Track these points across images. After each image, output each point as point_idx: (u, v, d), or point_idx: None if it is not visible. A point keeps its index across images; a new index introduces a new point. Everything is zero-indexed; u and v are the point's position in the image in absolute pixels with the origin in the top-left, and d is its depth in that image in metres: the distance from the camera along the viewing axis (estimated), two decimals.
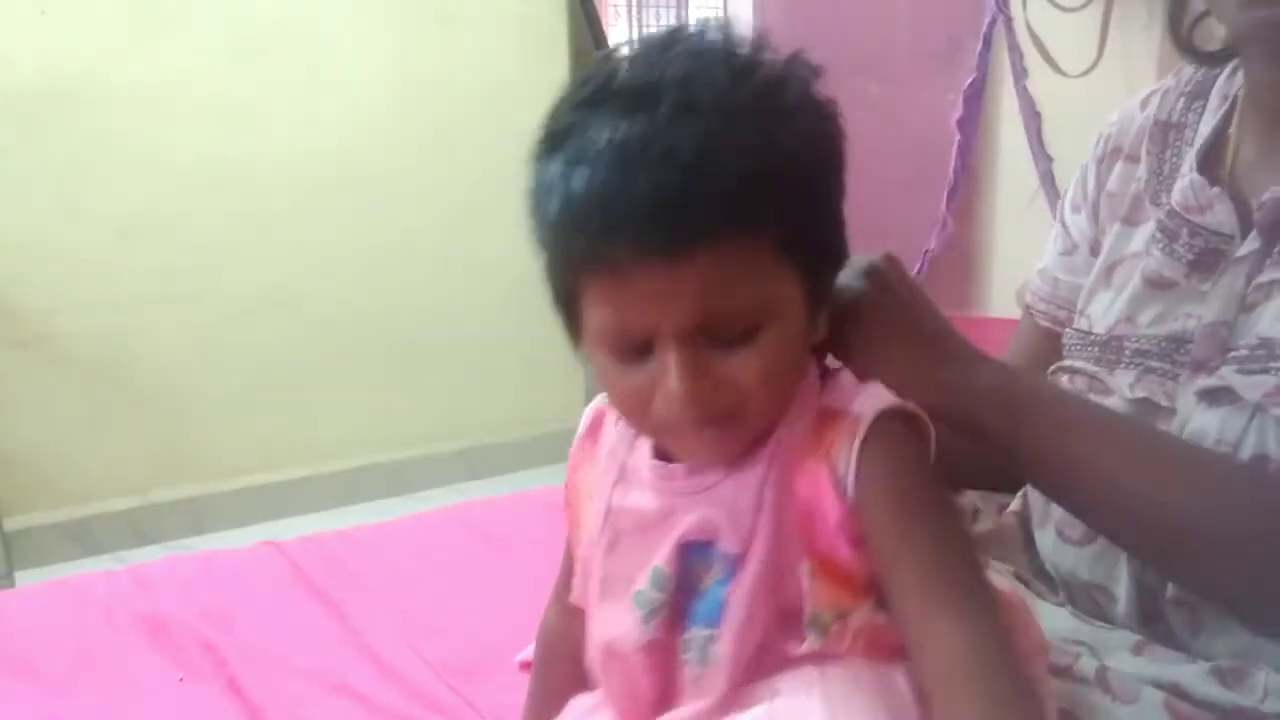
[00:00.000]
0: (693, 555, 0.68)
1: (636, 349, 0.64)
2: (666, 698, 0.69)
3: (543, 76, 2.91)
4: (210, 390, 2.64)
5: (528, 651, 0.95)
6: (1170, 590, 0.79)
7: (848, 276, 0.72)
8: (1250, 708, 0.72)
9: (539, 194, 0.65)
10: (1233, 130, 0.84)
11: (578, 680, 0.77)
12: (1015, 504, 0.98)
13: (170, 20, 2.47)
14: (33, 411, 2.47)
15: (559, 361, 3.31)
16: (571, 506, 0.78)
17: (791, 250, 0.63)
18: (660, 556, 0.68)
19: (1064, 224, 0.98)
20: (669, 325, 0.62)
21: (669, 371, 0.62)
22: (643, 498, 0.71)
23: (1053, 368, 0.91)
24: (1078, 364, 0.88)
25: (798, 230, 0.63)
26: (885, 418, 0.65)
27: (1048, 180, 2.47)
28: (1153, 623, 0.81)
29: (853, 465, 0.64)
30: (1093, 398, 0.85)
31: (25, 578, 2.23)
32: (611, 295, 0.62)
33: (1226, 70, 0.87)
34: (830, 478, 0.64)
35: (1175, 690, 0.74)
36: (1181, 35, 0.88)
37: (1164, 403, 0.80)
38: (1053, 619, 0.81)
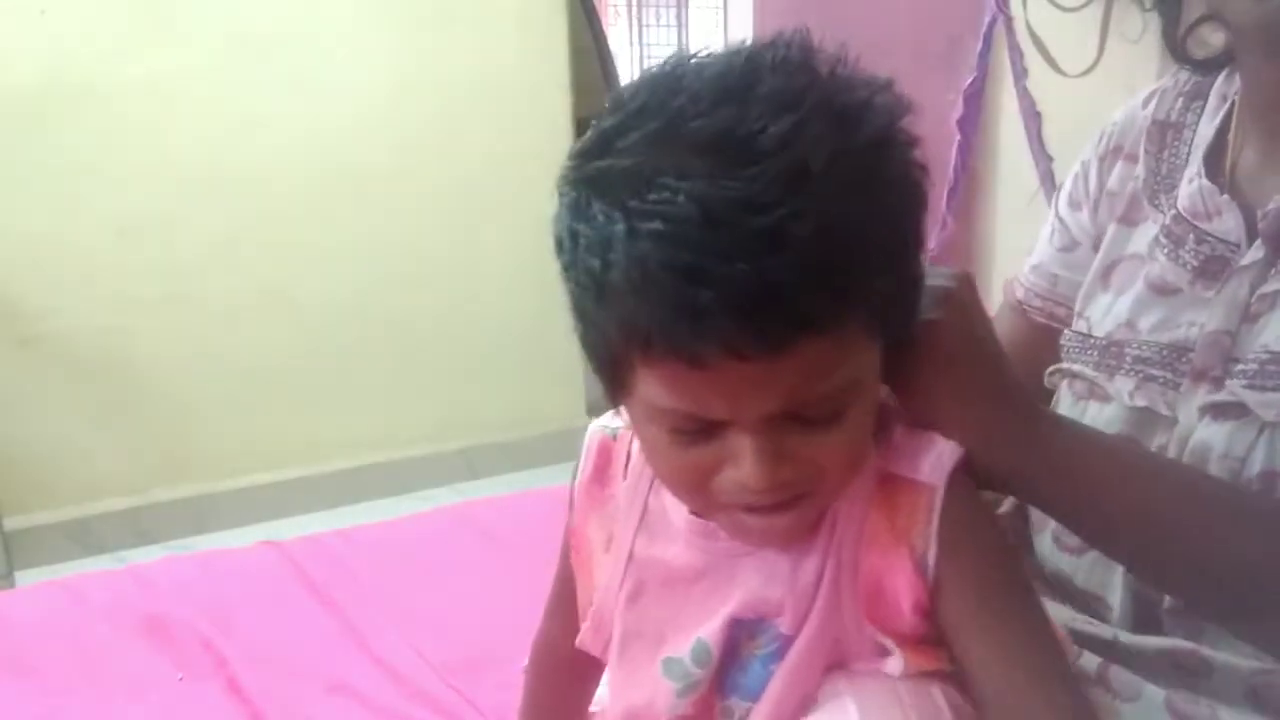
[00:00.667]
0: (739, 628, 0.64)
1: (702, 431, 0.56)
2: None
3: (542, 76, 2.91)
4: (210, 390, 2.64)
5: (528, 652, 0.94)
6: (1168, 600, 0.78)
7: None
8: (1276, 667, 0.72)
9: (587, 242, 0.54)
10: (1232, 134, 0.82)
11: (573, 693, 0.77)
12: (1006, 505, 0.97)
13: (170, 20, 2.46)
14: (33, 411, 2.46)
15: (559, 361, 3.32)
16: (580, 554, 0.73)
17: (883, 322, 0.57)
18: (705, 630, 0.64)
19: (1061, 219, 0.96)
20: (751, 414, 0.54)
21: (745, 458, 0.55)
22: (670, 550, 0.66)
23: (1051, 369, 0.90)
24: (1076, 367, 0.87)
25: (893, 302, 0.58)
26: (956, 487, 0.60)
27: (1048, 180, 2.47)
28: (1149, 632, 0.80)
29: (933, 547, 0.59)
30: (1092, 404, 0.84)
31: (25, 577, 2.23)
32: (682, 383, 0.53)
33: (1224, 71, 0.86)
34: (911, 560, 0.60)
35: (1193, 658, 0.73)
36: (1175, 43, 0.87)
37: (1165, 411, 0.78)
38: (1055, 618, 0.81)
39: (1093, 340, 0.86)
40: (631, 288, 0.51)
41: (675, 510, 0.66)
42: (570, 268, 0.57)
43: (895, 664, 0.60)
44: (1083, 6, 2.35)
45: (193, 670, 1.15)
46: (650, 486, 0.67)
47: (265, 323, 2.67)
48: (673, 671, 0.65)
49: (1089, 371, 0.85)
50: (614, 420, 0.71)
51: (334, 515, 2.50)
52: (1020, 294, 0.99)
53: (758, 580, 0.63)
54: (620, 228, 0.51)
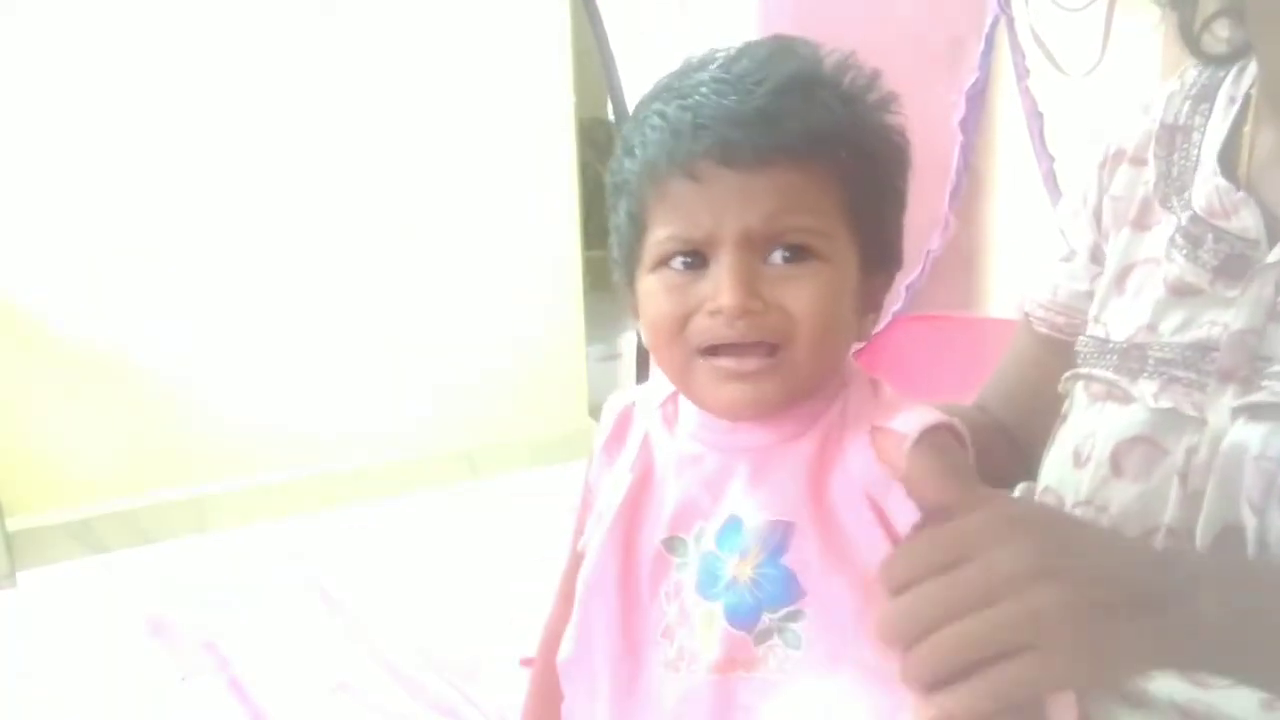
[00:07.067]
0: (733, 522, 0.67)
1: (692, 264, 0.65)
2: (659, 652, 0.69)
3: (543, 76, 2.91)
4: (213, 389, 2.64)
5: (529, 650, 0.94)
6: None
7: None
8: None
9: (633, 131, 0.68)
10: (1248, 128, 0.81)
11: None
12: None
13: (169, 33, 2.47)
14: (35, 411, 2.47)
15: (561, 362, 3.30)
16: (594, 509, 0.76)
17: (854, 216, 0.66)
18: (710, 518, 0.68)
19: (1061, 231, 0.96)
20: (733, 229, 0.64)
21: (723, 279, 0.64)
22: (683, 442, 0.71)
23: (1067, 375, 0.88)
24: (1095, 371, 0.85)
25: (863, 201, 0.66)
26: (932, 431, 0.65)
27: (1050, 180, 2.47)
28: None
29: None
30: (1110, 404, 0.82)
31: (27, 577, 2.23)
32: (684, 197, 0.65)
33: (1233, 72, 0.85)
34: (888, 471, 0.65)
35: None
36: (1192, 37, 0.85)
37: (1191, 413, 0.77)
38: None
39: (1111, 344, 0.85)
40: (656, 133, 0.66)
41: (690, 411, 0.71)
42: (613, 160, 0.70)
43: None
44: (1085, 7, 2.35)
45: (195, 669, 1.15)
46: (668, 396, 0.73)
47: (266, 323, 2.67)
48: (675, 549, 0.69)
49: (1109, 375, 0.84)
50: (632, 394, 0.78)
51: (335, 515, 2.50)
52: (1027, 305, 0.98)
53: (752, 471, 0.67)
54: (657, 107, 0.67)
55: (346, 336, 2.76)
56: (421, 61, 2.73)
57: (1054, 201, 2.42)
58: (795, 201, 0.64)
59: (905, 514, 0.64)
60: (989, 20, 2.59)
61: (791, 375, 0.65)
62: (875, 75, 0.68)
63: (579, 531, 0.78)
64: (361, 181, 2.71)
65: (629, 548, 0.71)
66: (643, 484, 0.72)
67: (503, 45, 2.81)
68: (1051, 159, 2.48)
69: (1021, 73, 2.52)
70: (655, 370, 0.73)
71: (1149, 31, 2.25)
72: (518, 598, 1.21)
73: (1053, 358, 0.92)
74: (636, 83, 2.77)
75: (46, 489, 2.49)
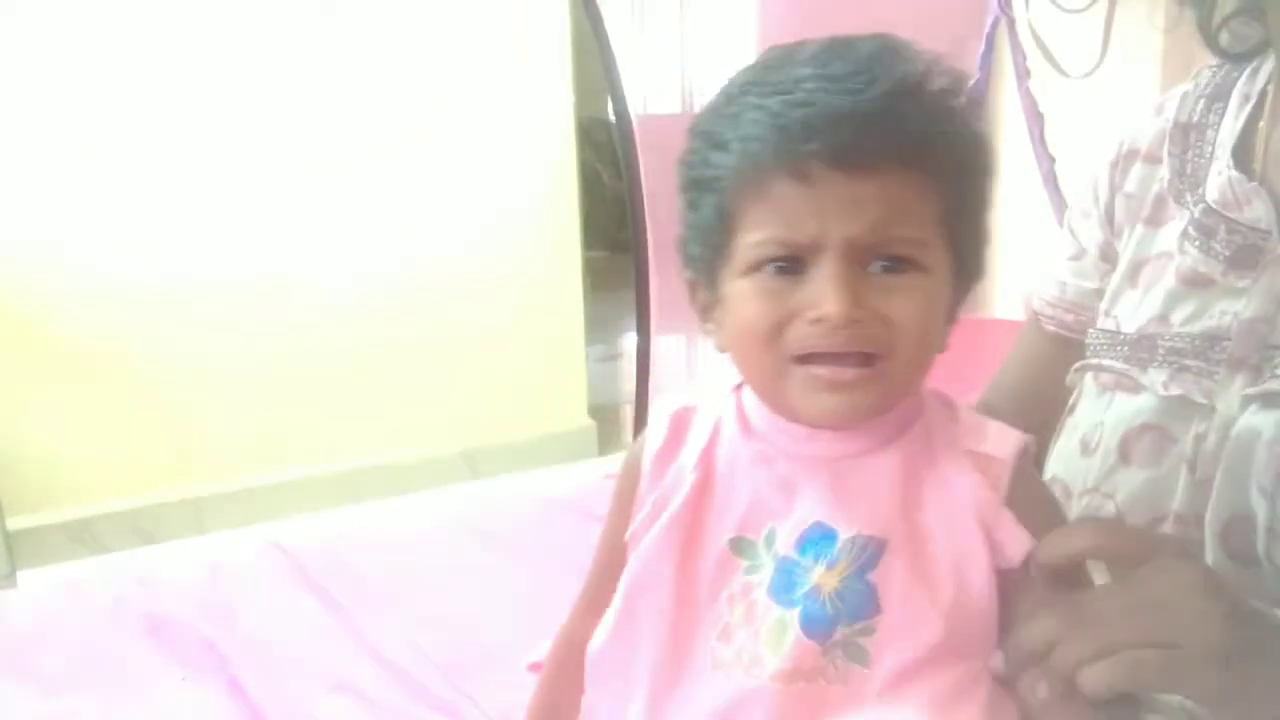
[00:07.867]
0: (814, 531, 0.66)
1: (786, 269, 0.64)
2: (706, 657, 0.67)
3: (543, 76, 2.91)
4: (211, 390, 2.64)
5: (537, 654, 0.94)
6: None
7: None
8: None
9: (723, 124, 0.65)
10: (1263, 124, 0.82)
11: None
12: None
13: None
14: (35, 411, 2.47)
15: (561, 362, 3.30)
16: (633, 518, 0.73)
17: (949, 226, 0.65)
18: (782, 522, 0.66)
19: (1071, 230, 0.97)
20: (838, 235, 0.62)
21: (826, 287, 0.62)
22: (751, 444, 0.69)
23: (1076, 366, 0.89)
24: (1105, 362, 0.86)
25: (958, 210, 0.65)
26: (1022, 456, 0.67)
27: (1050, 181, 2.47)
28: None
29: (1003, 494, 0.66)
30: (1119, 394, 0.83)
31: (28, 577, 2.23)
32: (788, 199, 0.62)
33: (1247, 72, 0.86)
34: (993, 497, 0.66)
35: None
36: (1210, 34, 0.86)
37: (1201, 400, 0.78)
38: None
39: (1122, 336, 0.86)
40: (758, 129, 0.63)
41: (758, 413, 0.70)
42: (693, 154, 0.67)
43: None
44: (1085, 8, 2.35)
45: (195, 670, 1.15)
46: (735, 391, 0.72)
47: (266, 324, 2.67)
48: (743, 551, 0.67)
49: (1119, 365, 0.85)
50: (685, 399, 0.75)
51: (335, 516, 2.50)
52: (1035, 304, 0.99)
53: (833, 481, 0.66)
54: (750, 101, 0.64)
55: (346, 337, 2.77)
56: (421, 61, 2.74)
57: (1054, 201, 2.42)
58: (899, 210, 0.62)
59: (1018, 542, 0.64)
60: (989, 21, 2.59)
61: (888, 386, 0.65)
62: (963, 78, 0.67)
63: (610, 542, 0.75)
64: (362, 181, 2.71)
65: (690, 546, 0.68)
66: (706, 482, 0.69)
67: (503, 45, 2.81)
68: (1051, 159, 2.48)
69: (1022, 74, 2.52)
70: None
71: (1149, 32, 2.25)
72: (518, 598, 1.21)
73: (1060, 355, 0.93)
74: (636, 83, 2.77)
75: (46, 489, 2.49)
